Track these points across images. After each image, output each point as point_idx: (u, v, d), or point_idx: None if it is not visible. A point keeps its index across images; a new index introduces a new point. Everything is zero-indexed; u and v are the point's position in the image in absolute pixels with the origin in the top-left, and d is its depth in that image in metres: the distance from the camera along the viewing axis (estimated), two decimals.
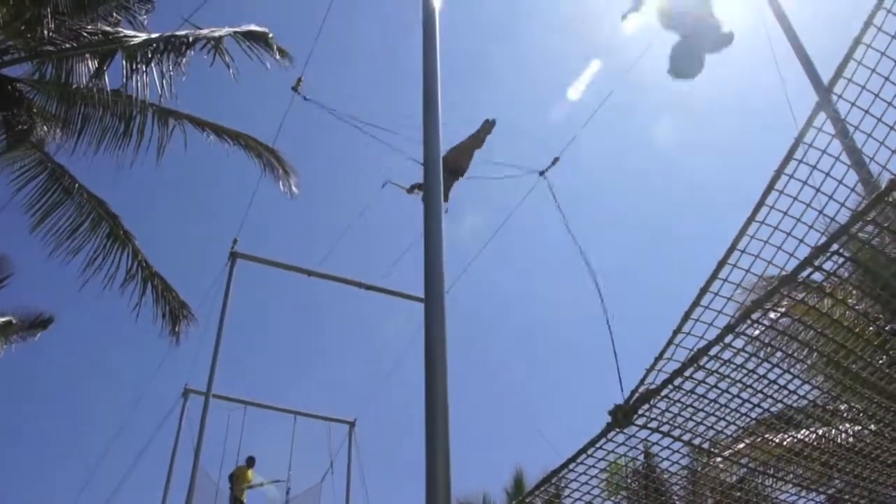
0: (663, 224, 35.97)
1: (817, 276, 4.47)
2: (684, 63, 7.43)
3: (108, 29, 11.76)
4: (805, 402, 5.58)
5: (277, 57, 12.21)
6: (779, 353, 5.02)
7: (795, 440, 6.21)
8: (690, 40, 7.37)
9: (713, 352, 4.53)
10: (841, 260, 4.25)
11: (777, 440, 6.21)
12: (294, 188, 13.01)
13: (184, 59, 11.72)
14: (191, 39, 11.63)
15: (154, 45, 11.45)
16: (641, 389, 4.70)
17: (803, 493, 7.18)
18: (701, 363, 4.55)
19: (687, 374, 4.60)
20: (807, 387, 5.41)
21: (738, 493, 8.04)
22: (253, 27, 12.10)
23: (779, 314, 4.64)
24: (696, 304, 4.47)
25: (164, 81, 11.57)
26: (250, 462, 16.55)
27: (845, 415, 6.11)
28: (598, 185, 35.01)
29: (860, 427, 6.18)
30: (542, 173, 12.05)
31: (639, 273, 36.17)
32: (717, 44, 7.37)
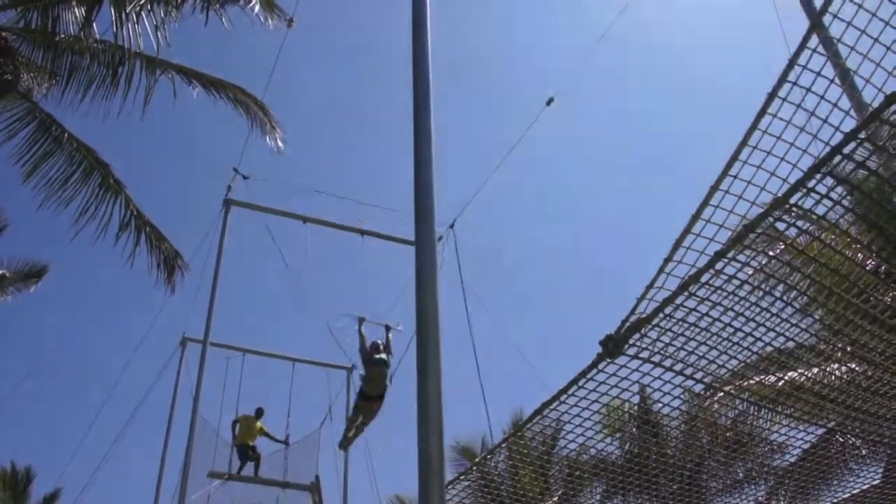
0: (658, 160, 35.98)
1: (809, 203, 4.40)
2: None
3: None
4: (801, 333, 5.52)
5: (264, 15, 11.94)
6: (772, 282, 4.96)
7: (793, 373, 6.19)
8: None
9: (704, 279, 4.47)
10: (834, 182, 4.16)
11: (774, 373, 6.19)
12: (280, 143, 12.80)
13: (175, 12, 11.48)
14: None
15: None
16: (632, 319, 4.65)
17: (799, 427, 7.20)
18: (692, 290, 4.49)
19: (678, 301, 4.55)
20: (804, 320, 5.37)
21: (729, 434, 8.08)
22: None
23: (769, 242, 4.57)
24: (687, 231, 4.40)
25: (157, 32, 11.32)
26: (258, 413, 16.51)
27: (845, 348, 6.06)
28: (599, 124, 34.89)
29: (858, 360, 6.15)
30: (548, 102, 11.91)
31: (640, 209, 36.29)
32: None
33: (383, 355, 12.04)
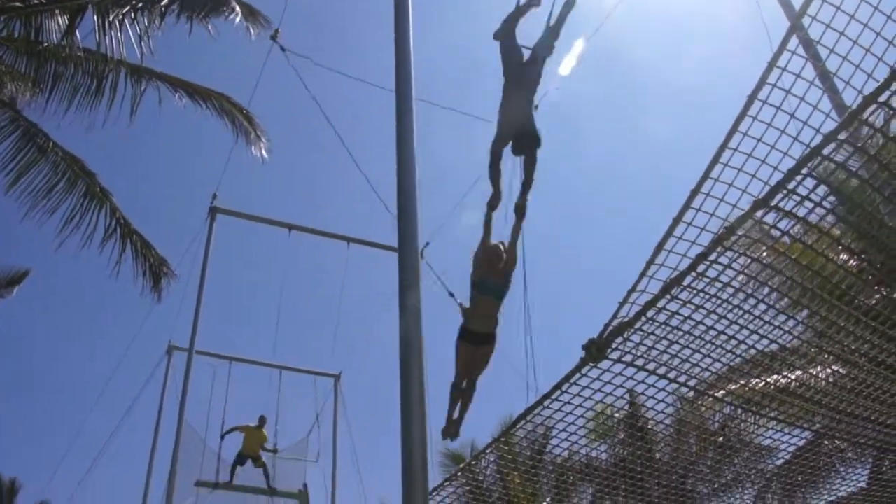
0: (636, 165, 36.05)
1: (791, 205, 4.39)
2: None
3: None
4: (784, 336, 5.51)
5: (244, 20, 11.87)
6: (755, 284, 4.94)
7: (779, 376, 6.17)
8: None
9: (687, 282, 4.45)
10: (814, 183, 4.15)
11: (759, 377, 6.17)
12: (265, 152, 12.72)
13: (160, 21, 11.42)
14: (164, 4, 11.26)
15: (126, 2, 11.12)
16: (615, 323, 4.63)
17: (786, 431, 7.19)
18: (674, 294, 4.47)
19: (660, 305, 4.53)
20: (787, 322, 5.35)
21: (714, 437, 8.08)
22: None
23: (751, 244, 4.56)
24: (668, 234, 4.38)
25: (141, 41, 11.24)
26: (262, 422, 16.30)
27: (829, 350, 6.03)
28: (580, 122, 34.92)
29: (845, 363, 6.13)
30: None
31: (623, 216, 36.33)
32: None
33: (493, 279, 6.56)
